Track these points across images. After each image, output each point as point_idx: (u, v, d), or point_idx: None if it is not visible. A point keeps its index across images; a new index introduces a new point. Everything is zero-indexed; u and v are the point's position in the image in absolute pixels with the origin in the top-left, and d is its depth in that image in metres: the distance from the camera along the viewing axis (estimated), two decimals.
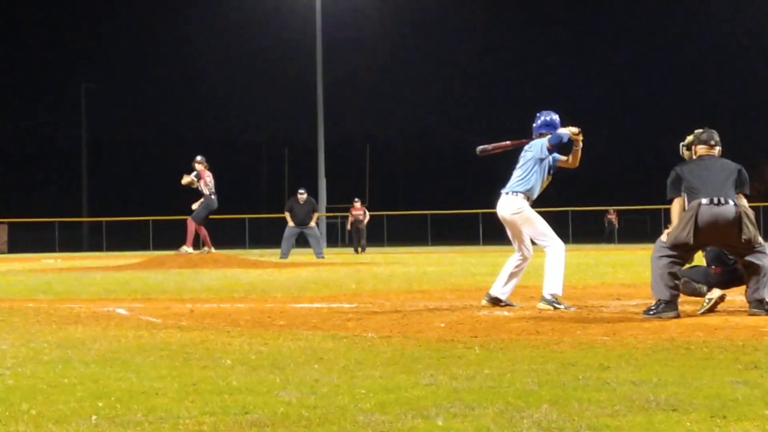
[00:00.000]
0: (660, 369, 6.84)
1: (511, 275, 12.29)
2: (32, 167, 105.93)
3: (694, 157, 11.11)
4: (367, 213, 47.85)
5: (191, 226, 28.63)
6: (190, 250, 28.55)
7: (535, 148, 12.22)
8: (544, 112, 12.50)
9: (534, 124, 12.48)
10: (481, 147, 12.81)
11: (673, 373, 6.65)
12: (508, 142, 12.75)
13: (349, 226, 49.22)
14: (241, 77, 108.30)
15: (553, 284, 11.87)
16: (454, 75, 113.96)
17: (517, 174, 12.30)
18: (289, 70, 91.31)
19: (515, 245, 12.40)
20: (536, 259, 12.55)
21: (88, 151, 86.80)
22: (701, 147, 11.10)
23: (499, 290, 12.27)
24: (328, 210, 60.74)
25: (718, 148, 11.09)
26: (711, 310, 10.78)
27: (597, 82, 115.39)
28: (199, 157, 28.44)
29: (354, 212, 47.63)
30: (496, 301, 12.20)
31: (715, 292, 10.89)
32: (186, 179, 28.12)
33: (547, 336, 9.17)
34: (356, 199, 48.72)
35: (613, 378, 6.44)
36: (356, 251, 45.61)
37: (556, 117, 12.40)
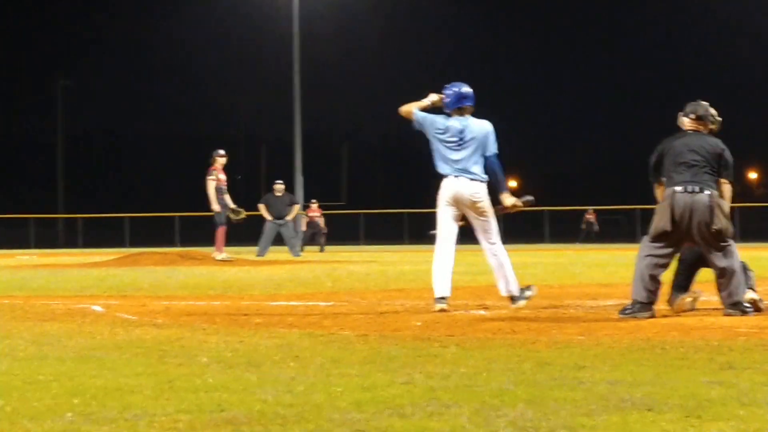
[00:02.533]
0: (635, 368, 6.86)
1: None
2: (7, 163, 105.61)
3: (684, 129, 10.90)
4: (323, 214, 48.15)
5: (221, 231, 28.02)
6: (228, 256, 28.02)
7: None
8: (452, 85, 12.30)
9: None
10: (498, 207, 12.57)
11: (648, 372, 6.68)
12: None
13: (304, 227, 48.87)
14: (219, 74, 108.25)
15: (514, 281, 11.87)
16: (431, 74, 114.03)
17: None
18: (267, 67, 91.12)
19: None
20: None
21: (64, 147, 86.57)
22: (686, 120, 10.88)
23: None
24: (305, 208, 60.71)
25: (709, 127, 10.85)
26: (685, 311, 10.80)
27: (576, 85, 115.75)
28: (221, 151, 27.71)
29: (310, 213, 47.63)
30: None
31: (691, 294, 10.92)
32: (216, 203, 27.43)
33: (523, 335, 9.18)
34: (313, 201, 48.73)
35: (589, 377, 6.46)
36: (321, 250, 45.73)
37: (463, 89, 12.24)
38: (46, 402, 5.78)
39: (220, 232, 27.61)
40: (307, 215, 48.02)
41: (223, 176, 27.29)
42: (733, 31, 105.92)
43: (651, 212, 11.06)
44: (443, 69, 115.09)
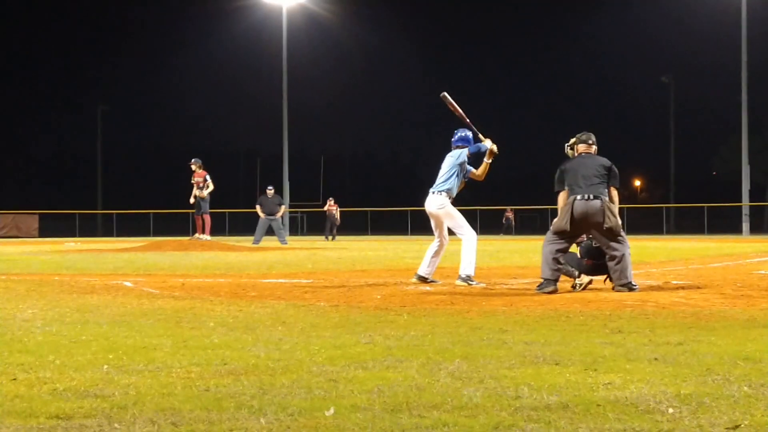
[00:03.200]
0: (546, 332, 6.88)
1: (433, 258, 12.33)
2: (58, 171, 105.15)
3: (576, 154, 11.19)
4: (338, 209, 47.59)
5: (207, 218, 28.22)
6: (207, 236, 28.20)
7: (456, 156, 12.26)
8: (460, 130, 12.51)
9: (452, 139, 12.50)
10: (445, 94, 12.60)
11: (556, 335, 6.69)
12: (460, 110, 12.59)
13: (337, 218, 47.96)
14: (223, 102, 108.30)
15: (467, 266, 11.90)
16: (391, 102, 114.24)
17: (441, 177, 12.33)
18: (262, 98, 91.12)
19: (435, 234, 12.44)
20: (453, 246, 12.59)
21: (102, 157, 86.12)
22: (582, 146, 11.21)
23: (424, 270, 12.31)
24: (291, 206, 60.57)
25: (594, 147, 11.20)
26: (582, 290, 10.84)
27: (498, 103, 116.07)
28: (194, 160, 28.04)
29: (328, 208, 47.27)
30: (422, 279, 12.24)
31: (585, 278, 10.97)
32: (203, 194, 27.67)
33: (460, 306, 9.19)
34: (330, 198, 48.32)
35: (510, 339, 6.47)
36: (327, 238, 45.30)
37: (470, 134, 12.43)
38: (87, 357, 5.75)
39: (207, 217, 28.13)
40: (326, 210, 47.41)
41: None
42: (635, 53, 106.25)
43: (555, 211, 11.21)
44: (400, 98, 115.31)
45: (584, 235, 11.14)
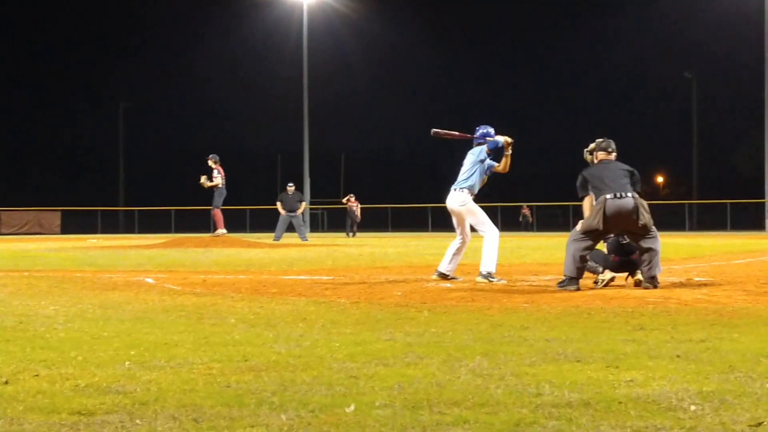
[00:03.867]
0: (567, 329, 6.86)
1: (454, 255, 12.32)
2: (81, 167, 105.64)
3: (596, 161, 11.16)
4: (359, 205, 47.57)
5: (217, 213, 28.40)
6: (224, 231, 28.37)
7: (476, 153, 12.26)
8: (482, 126, 12.50)
9: (474, 135, 12.49)
10: (435, 130, 12.73)
11: (577, 332, 6.68)
12: (456, 133, 12.73)
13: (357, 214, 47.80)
14: (244, 99, 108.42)
15: (488, 263, 11.88)
16: (412, 97, 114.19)
17: (462, 174, 12.32)
18: (283, 95, 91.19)
19: (457, 231, 12.42)
20: (475, 243, 12.57)
21: (124, 155, 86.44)
22: (601, 153, 11.17)
23: (445, 267, 12.29)
24: (311, 203, 60.62)
25: (614, 154, 11.15)
26: (604, 287, 10.82)
27: (519, 100, 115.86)
28: (211, 156, 28.21)
29: (349, 204, 47.27)
30: (443, 276, 12.22)
31: (607, 274, 10.94)
32: (211, 182, 27.88)
33: (481, 303, 9.18)
34: (351, 195, 48.31)
35: (531, 336, 6.46)
36: (348, 235, 45.29)
37: (491, 129, 12.41)
38: (109, 353, 5.77)
39: (218, 212, 28.27)
40: (347, 205, 47.39)
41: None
42: (656, 57, 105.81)
43: (578, 208, 11.20)
44: (419, 96, 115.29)
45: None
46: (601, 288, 10.72)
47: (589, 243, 10.72)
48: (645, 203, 10.74)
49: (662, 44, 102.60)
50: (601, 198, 10.61)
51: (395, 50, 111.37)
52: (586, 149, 11.45)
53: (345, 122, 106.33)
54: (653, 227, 10.74)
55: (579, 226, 10.87)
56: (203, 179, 27.95)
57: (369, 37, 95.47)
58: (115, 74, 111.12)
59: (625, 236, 10.99)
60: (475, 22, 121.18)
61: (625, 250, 11.00)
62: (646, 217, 10.61)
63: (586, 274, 10.98)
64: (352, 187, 57.10)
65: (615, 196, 10.56)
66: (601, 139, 11.28)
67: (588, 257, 10.77)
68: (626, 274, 11.07)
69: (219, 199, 28.11)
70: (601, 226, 10.58)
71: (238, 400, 4.31)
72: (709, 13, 77.55)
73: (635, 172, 10.89)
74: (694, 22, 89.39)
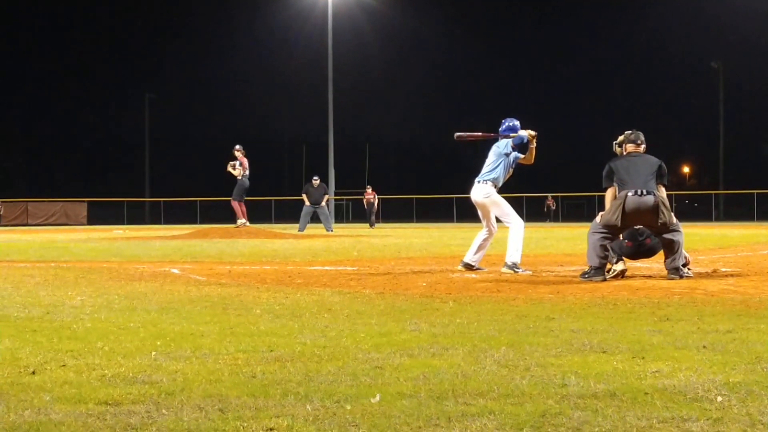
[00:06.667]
0: (593, 320, 6.85)
1: (480, 246, 12.31)
2: (107, 158, 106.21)
3: (624, 153, 11.10)
4: (377, 196, 47.56)
5: (235, 204, 28.51)
6: (244, 221, 28.49)
7: (502, 146, 12.26)
8: (508, 119, 12.48)
9: (500, 128, 12.47)
10: (458, 134, 12.74)
11: (603, 323, 6.66)
12: (479, 134, 12.77)
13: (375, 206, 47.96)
14: (269, 90, 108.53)
15: (514, 253, 11.88)
16: (437, 88, 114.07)
17: (487, 166, 12.33)
18: (307, 85, 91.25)
19: (483, 223, 12.41)
20: (499, 234, 12.55)
21: (150, 146, 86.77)
22: (630, 145, 11.11)
23: (471, 258, 12.29)
24: (336, 194, 60.64)
25: (643, 146, 11.10)
26: (615, 278, 10.71)
27: (545, 90, 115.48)
28: (238, 146, 28.31)
29: (366, 196, 47.30)
30: (468, 267, 12.22)
31: (619, 266, 10.87)
32: (234, 171, 28.00)
33: (506, 293, 9.17)
34: (368, 186, 48.32)
35: (557, 327, 6.45)
36: (371, 226, 45.37)
37: (517, 122, 12.39)
38: (135, 343, 5.80)
39: (237, 204, 28.34)
40: (364, 197, 47.40)
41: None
42: (682, 50, 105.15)
43: (602, 198, 11.17)
44: (446, 85, 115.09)
45: None
46: (610, 278, 10.66)
47: (608, 235, 10.68)
48: (666, 201, 10.65)
49: (689, 34, 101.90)
50: (623, 193, 10.54)
51: (421, 40, 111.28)
52: (615, 141, 11.38)
53: (370, 112, 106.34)
54: (675, 222, 10.66)
55: (599, 218, 10.84)
56: (230, 166, 28.09)
57: (394, 26, 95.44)
58: (140, 65, 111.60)
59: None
60: (503, 12, 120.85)
61: (639, 234, 10.93)
62: (665, 216, 10.52)
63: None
64: (376, 177, 57.14)
65: (636, 192, 10.48)
66: (630, 131, 11.21)
67: (609, 247, 10.73)
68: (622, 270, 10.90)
69: (240, 190, 28.18)
70: (619, 223, 10.54)
71: (263, 390, 4.33)
72: (737, 3, 76.98)
73: (662, 164, 10.82)
74: (721, 12, 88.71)
